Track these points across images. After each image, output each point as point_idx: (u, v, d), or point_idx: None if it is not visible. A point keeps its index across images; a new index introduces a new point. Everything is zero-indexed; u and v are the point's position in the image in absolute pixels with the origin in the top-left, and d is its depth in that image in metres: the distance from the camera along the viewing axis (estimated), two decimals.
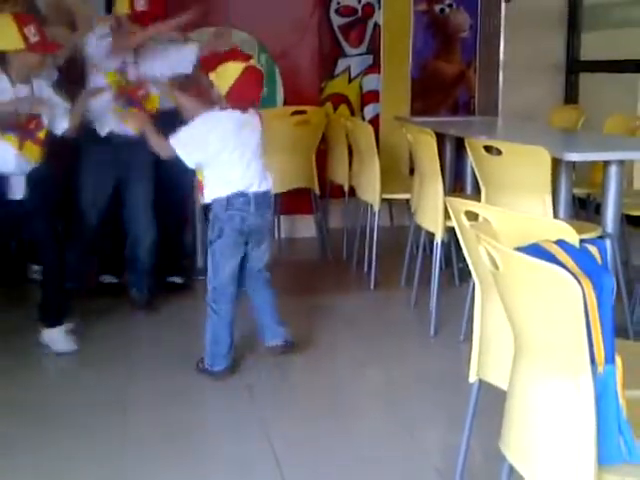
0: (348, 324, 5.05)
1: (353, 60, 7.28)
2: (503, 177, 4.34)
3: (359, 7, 7.22)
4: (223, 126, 4.04)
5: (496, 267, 2.11)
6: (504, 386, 2.39)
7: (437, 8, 7.36)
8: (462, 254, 2.68)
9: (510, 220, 2.47)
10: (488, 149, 4.40)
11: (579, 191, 5.38)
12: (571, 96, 7.34)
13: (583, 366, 1.91)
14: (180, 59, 5.15)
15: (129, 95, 4.95)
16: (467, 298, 4.51)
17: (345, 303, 5.47)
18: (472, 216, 2.61)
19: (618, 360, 1.98)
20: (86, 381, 4.24)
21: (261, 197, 4.13)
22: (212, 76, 4.01)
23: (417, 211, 5.18)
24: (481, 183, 4.54)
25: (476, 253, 2.39)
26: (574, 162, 4.44)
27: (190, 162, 4.08)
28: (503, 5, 7.18)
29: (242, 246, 4.18)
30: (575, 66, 7.36)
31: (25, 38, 4.19)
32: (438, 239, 4.82)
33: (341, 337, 4.85)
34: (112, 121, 4.95)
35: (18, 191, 4.37)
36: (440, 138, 5.14)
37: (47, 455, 3.43)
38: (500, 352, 2.53)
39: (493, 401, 2.58)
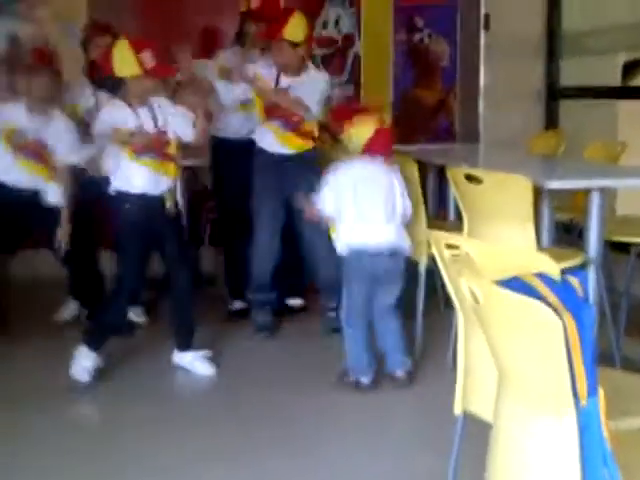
0: (332, 352, 5.02)
1: (333, 90, 7.30)
2: (485, 205, 4.35)
3: (339, 38, 7.27)
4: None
5: (477, 301, 2.11)
6: (489, 417, 2.39)
7: (416, 38, 7.41)
8: None
9: (491, 253, 2.48)
10: (469, 177, 4.41)
11: (562, 216, 5.39)
12: (551, 122, 7.37)
13: (566, 399, 1.92)
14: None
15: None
16: (452, 325, 4.50)
17: None
18: (454, 246, 2.61)
19: (601, 392, 1.98)
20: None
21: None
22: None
23: None
24: (463, 211, 4.55)
25: (458, 285, 2.40)
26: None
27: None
28: (482, 33, 7.23)
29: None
30: (555, 93, 7.40)
31: (141, 63, 4.29)
32: (422, 267, 4.84)
33: (323, 362, 4.82)
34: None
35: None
36: (422, 166, 5.16)
37: None
38: (484, 383, 2.53)
39: (481, 429, 2.59)
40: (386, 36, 7.34)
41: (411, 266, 5.09)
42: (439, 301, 5.55)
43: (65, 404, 4.38)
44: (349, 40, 7.26)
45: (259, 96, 5.15)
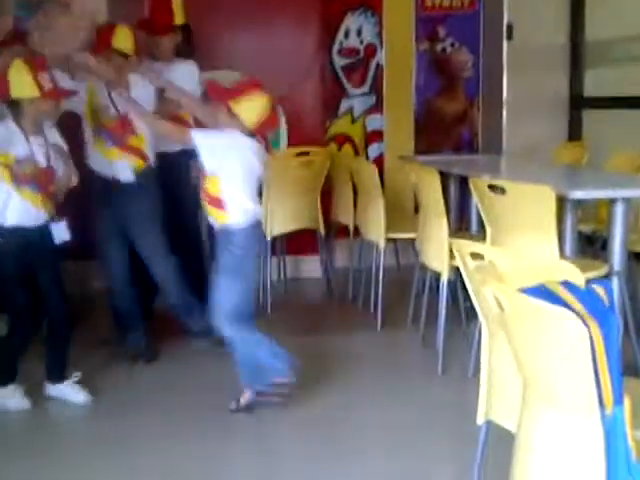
0: (355, 364, 5.01)
1: (356, 100, 7.32)
2: (508, 216, 4.33)
3: (361, 48, 7.26)
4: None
5: (502, 309, 2.10)
6: (512, 427, 2.38)
7: (439, 47, 7.40)
8: (468, 292, 2.68)
9: (515, 261, 2.47)
10: (492, 188, 4.39)
11: (585, 227, 5.36)
12: (575, 133, 7.34)
13: (591, 408, 1.90)
14: (184, 79, 5.07)
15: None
16: (474, 336, 4.49)
17: (351, 343, 5.44)
18: (478, 255, 2.60)
19: (627, 400, 1.96)
20: None
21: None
22: (234, 105, 4.01)
23: (422, 250, 5.18)
24: (486, 222, 4.53)
25: (482, 294, 2.38)
26: (579, 200, 4.43)
27: (206, 153, 4.05)
28: (505, 43, 7.21)
29: None
30: (578, 103, 7.37)
31: (40, 86, 4.14)
32: (444, 278, 4.81)
33: (348, 377, 4.81)
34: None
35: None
36: (444, 177, 5.14)
37: None
38: (507, 393, 2.52)
39: (503, 438, 2.57)
40: (408, 45, 7.33)
41: (434, 277, 5.09)
42: (461, 313, 5.52)
43: None
44: (371, 50, 7.26)
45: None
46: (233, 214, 4.06)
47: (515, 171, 6.08)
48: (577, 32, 7.31)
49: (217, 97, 4.12)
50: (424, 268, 5.24)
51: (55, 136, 4.41)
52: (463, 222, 6.00)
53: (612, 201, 4.28)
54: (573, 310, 1.91)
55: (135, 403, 4.48)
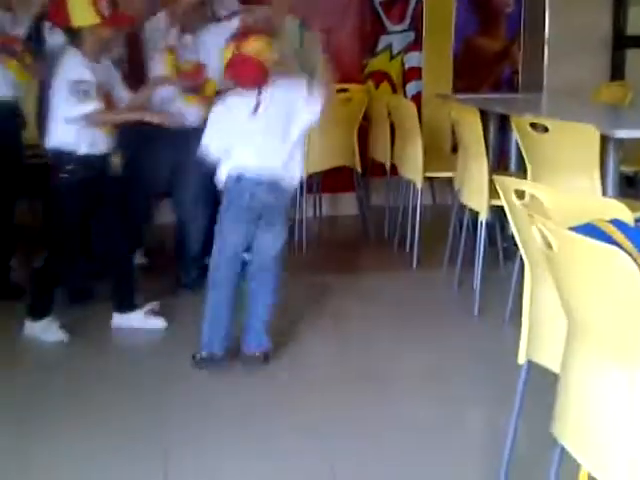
0: (390, 303, 5.00)
1: (395, 37, 7.21)
2: (550, 155, 4.26)
3: None
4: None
5: (549, 248, 2.05)
6: (554, 368, 2.34)
7: None
8: (506, 233, 2.63)
9: (562, 199, 2.42)
10: (534, 126, 4.32)
11: (626, 168, 5.27)
12: (617, 72, 7.21)
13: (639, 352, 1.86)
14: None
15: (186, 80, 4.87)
16: (512, 278, 4.44)
17: (387, 282, 5.42)
18: (521, 193, 2.55)
19: None
20: None
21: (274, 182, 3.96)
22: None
23: (461, 190, 5.12)
24: (527, 161, 4.47)
25: (526, 233, 2.34)
26: (622, 139, 4.34)
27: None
28: None
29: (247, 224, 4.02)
30: (622, 42, 7.23)
31: (100, 13, 4.09)
32: (483, 218, 4.75)
33: (384, 316, 4.79)
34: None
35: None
36: (484, 115, 5.06)
37: None
38: (551, 334, 2.48)
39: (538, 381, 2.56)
40: None
41: (472, 218, 5.04)
42: (498, 254, 5.46)
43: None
44: None
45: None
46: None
47: (557, 110, 5.97)
48: None
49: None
50: (462, 208, 5.18)
51: (114, 74, 4.37)
52: (502, 162, 5.92)
53: None
54: (623, 249, 1.86)
55: None
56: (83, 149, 4.20)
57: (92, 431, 3.45)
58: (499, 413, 3.16)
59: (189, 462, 3.22)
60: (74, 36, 4.17)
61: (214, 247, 4.05)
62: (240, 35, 3.93)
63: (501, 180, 2.57)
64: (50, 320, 4.42)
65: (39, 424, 3.51)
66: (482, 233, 4.79)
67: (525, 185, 2.52)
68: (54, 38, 4.62)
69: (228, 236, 4.00)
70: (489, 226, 4.90)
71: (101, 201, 4.38)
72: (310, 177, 6.19)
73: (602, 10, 7.25)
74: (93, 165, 4.25)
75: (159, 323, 4.57)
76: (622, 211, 2.34)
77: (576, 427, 2.11)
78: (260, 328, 4.08)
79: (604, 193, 4.21)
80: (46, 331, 4.40)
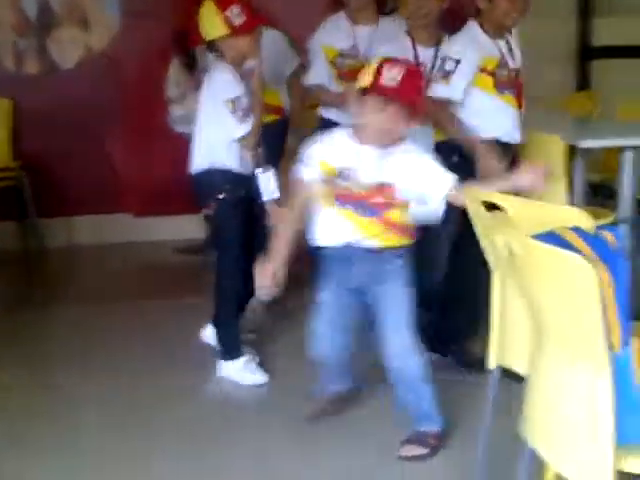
0: None
1: None
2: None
3: None
4: None
5: (513, 255, 2.15)
6: (522, 370, 2.44)
7: None
8: None
9: (525, 208, 2.51)
10: None
11: (591, 177, 5.37)
12: (584, 83, 7.33)
13: (600, 349, 1.95)
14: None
15: None
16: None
17: None
18: (489, 203, 2.64)
19: (635, 342, 2.02)
20: None
21: None
22: None
23: None
24: None
25: (493, 242, 2.43)
26: (589, 149, 4.45)
27: None
28: None
29: None
30: (588, 53, 7.34)
31: (228, 22, 3.85)
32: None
33: None
34: None
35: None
36: None
37: None
38: (519, 338, 2.57)
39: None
40: None
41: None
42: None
43: None
44: None
45: None
46: None
47: (524, 120, 6.06)
48: None
49: None
50: None
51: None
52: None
53: (621, 149, 4.31)
54: (583, 255, 1.96)
55: None
56: (236, 167, 3.99)
57: None
58: (469, 416, 3.24)
59: None
60: (215, 51, 3.98)
61: None
62: None
63: (468, 191, 2.67)
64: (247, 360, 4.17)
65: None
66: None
67: (491, 195, 2.62)
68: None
69: None
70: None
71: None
72: None
73: (567, 22, 7.36)
74: (247, 185, 4.03)
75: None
76: (583, 219, 2.44)
77: (542, 427, 2.21)
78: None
79: (571, 202, 4.31)
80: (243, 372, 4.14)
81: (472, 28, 4.00)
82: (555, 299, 2.07)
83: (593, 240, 2.08)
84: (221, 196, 3.96)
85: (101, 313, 5.11)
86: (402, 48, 4.20)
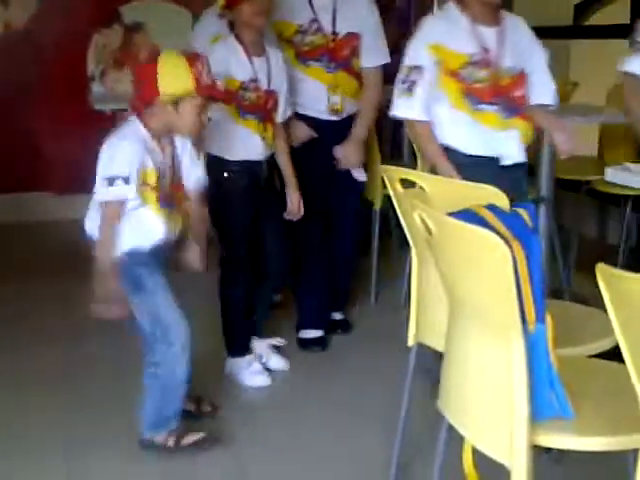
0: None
1: None
2: None
3: None
4: None
5: (430, 232, 2.16)
6: (441, 348, 2.46)
7: None
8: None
9: (443, 186, 2.54)
10: None
11: None
12: None
13: (514, 325, 1.98)
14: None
15: None
16: (406, 264, 4.57)
17: None
18: (408, 182, 2.66)
19: (549, 319, 2.05)
20: None
21: None
22: None
23: None
24: (417, 150, 4.60)
25: (411, 219, 2.45)
26: None
27: None
28: None
29: None
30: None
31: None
32: (377, 207, 4.89)
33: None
34: None
35: None
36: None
37: None
38: (437, 316, 2.59)
39: None
40: None
41: (366, 207, 5.15)
42: (394, 241, 5.59)
43: None
44: None
45: None
46: None
47: None
48: None
49: None
50: None
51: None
52: (395, 154, 6.05)
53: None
54: (498, 232, 1.98)
55: None
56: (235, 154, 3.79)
57: None
58: (392, 392, 3.28)
59: None
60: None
61: None
62: None
63: (387, 170, 2.69)
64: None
65: None
66: (377, 221, 4.93)
67: (408, 174, 2.63)
68: None
69: None
70: (383, 215, 5.02)
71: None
72: None
73: None
74: (253, 171, 3.82)
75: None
76: (499, 197, 2.48)
77: (457, 402, 2.23)
78: None
79: None
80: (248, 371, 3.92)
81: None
82: (470, 276, 2.09)
83: (508, 218, 2.10)
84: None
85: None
86: None
